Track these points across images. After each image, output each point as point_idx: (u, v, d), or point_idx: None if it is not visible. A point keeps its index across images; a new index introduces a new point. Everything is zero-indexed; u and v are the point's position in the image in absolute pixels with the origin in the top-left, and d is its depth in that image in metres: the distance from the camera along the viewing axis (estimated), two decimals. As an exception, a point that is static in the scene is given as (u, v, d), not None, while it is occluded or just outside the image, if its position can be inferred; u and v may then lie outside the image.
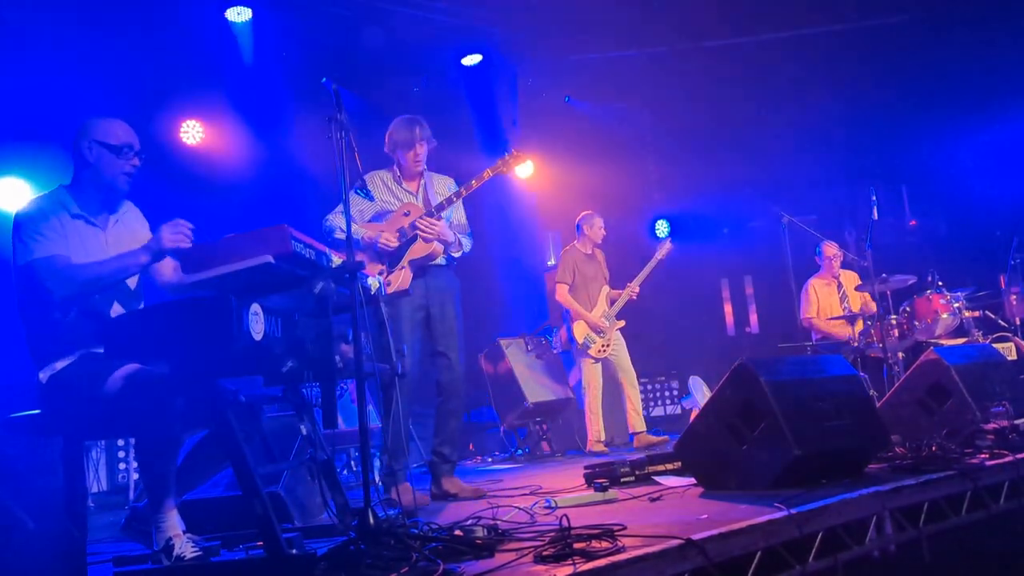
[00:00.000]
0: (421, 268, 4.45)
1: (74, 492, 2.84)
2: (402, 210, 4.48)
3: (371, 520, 2.57)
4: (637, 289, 7.05)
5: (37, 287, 2.94)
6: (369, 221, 4.49)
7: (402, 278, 4.38)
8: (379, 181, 4.55)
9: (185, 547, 2.80)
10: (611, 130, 9.40)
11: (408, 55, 7.91)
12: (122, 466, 5.99)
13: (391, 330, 3.87)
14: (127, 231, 3.24)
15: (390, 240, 4.39)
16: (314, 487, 3.64)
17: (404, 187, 4.59)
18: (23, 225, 3.00)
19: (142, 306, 3.22)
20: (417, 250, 4.42)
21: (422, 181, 4.64)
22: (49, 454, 2.93)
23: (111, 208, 3.22)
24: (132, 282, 3.20)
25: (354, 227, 4.09)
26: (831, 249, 7.45)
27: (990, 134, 8.59)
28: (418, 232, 4.40)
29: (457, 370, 4.52)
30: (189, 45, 7.03)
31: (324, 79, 3.21)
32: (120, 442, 5.98)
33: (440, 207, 4.46)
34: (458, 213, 4.66)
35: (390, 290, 4.32)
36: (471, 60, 8.46)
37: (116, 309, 3.09)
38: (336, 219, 4.43)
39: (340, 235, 4.29)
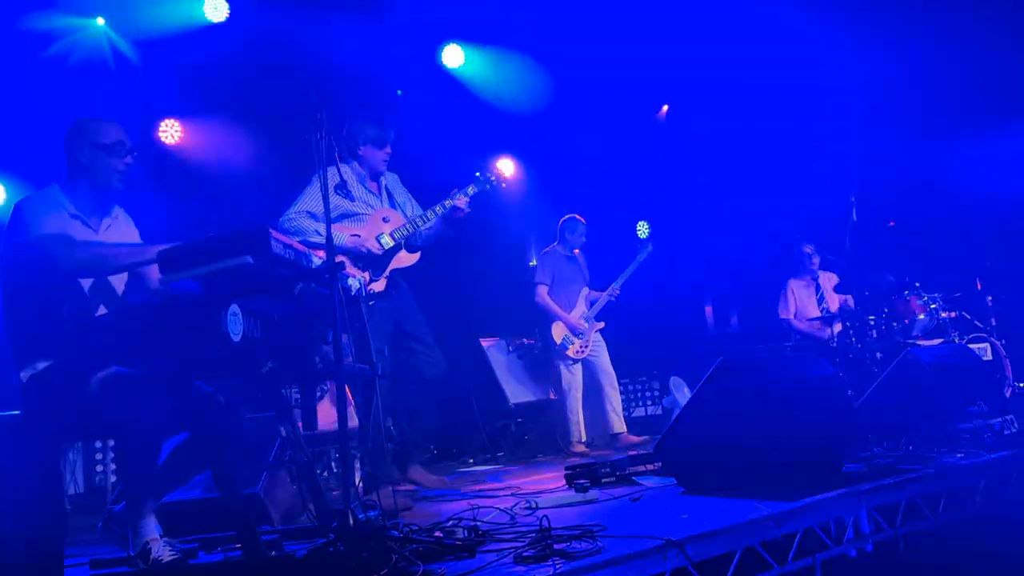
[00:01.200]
0: (395, 277, 4.46)
1: (51, 494, 2.81)
2: (379, 216, 4.44)
3: (351, 522, 2.56)
4: (617, 290, 7.07)
5: (42, 260, 2.88)
6: (334, 223, 4.32)
7: (383, 286, 4.38)
8: (348, 179, 4.44)
9: (163, 551, 2.78)
10: (595, 132, 9.40)
11: (388, 54, 7.88)
12: (100, 468, 5.93)
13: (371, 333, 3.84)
14: (117, 236, 3.21)
15: (374, 246, 4.34)
16: (294, 489, 3.62)
17: (367, 187, 4.54)
18: (25, 210, 2.97)
19: None
20: (403, 259, 4.44)
21: (384, 181, 4.62)
22: (26, 456, 2.90)
23: (104, 211, 3.21)
24: (119, 286, 3.18)
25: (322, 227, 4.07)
26: (810, 249, 7.51)
27: (969, 136, 8.68)
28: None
29: (439, 364, 4.54)
30: (165, 42, 6.97)
31: (303, 76, 3.19)
32: (98, 444, 5.92)
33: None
34: (417, 210, 4.63)
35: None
36: (453, 61, 8.45)
37: (101, 311, 3.06)
38: (303, 222, 4.32)
39: (317, 238, 4.21)
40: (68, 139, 3.14)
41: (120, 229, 3.26)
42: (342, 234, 4.31)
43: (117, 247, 3.02)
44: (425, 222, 4.46)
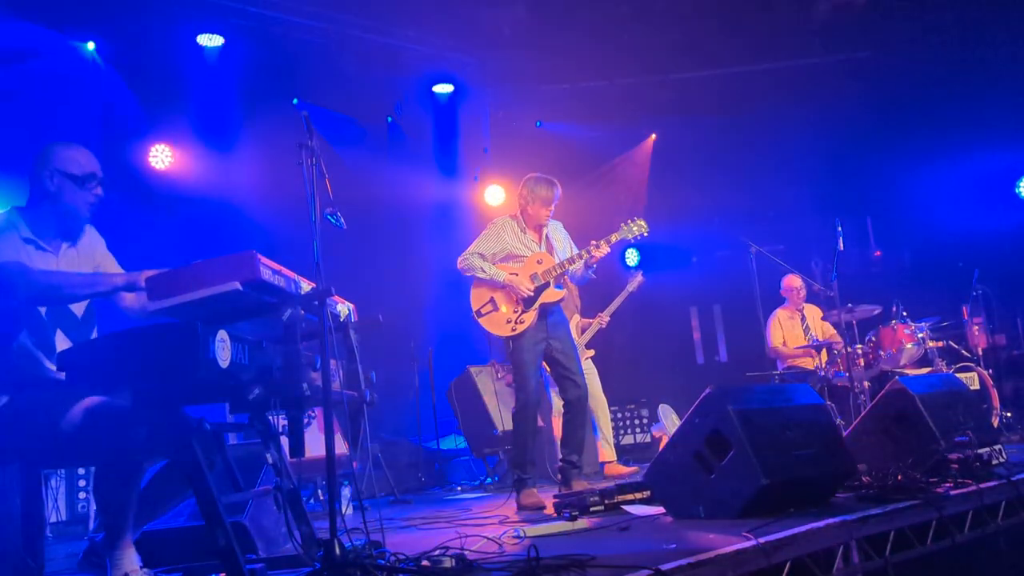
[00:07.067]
0: (545, 308, 5.07)
1: (32, 521, 2.77)
2: (535, 258, 5.14)
3: (337, 551, 2.53)
4: (607, 319, 7.06)
5: None
6: (500, 261, 5.14)
7: (532, 318, 5.01)
8: (509, 228, 5.20)
9: (142, 582, 2.74)
10: (581, 159, 9.46)
11: (380, 82, 7.91)
12: (82, 495, 5.86)
13: (517, 361, 4.92)
14: (81, 257, 3.15)
15: (529, 286, 5.03)
16: (280, 517, 3.58)
17: (529, 235, 5.21)
18: None
19: (95, 334, 3.13)
20: (549, 295, 5.07)
21: (544, 230, 5.26)
22: (5, 482, 2.85)
23: (67, 236, 3.12)
24: (79, 310, 3.10)
25: (491, 267, 5.08)
26: (795, 281, 7.53)
27: (953, 167, 8.77)
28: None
29: (583, 388, 5.06)
30: (159, 69, 7.00)
31: (296, 101, 3.20)
32: (81, 471, 5.85)
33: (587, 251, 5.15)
34: (573, 252, 5.24)
35: (521, 328, 4.98)
36: (443, 88, 8.50)
37: (59, 337, 2.98)
38: (473, 260, 5.08)
39: (481, 274, 5.05)
40: (37, 163, 3.07)
41: (84, 254, 3.17)
42: (502, 272, 5.08)
43: (74, 277, 2.96)
44: (571, 264, 5.11)
